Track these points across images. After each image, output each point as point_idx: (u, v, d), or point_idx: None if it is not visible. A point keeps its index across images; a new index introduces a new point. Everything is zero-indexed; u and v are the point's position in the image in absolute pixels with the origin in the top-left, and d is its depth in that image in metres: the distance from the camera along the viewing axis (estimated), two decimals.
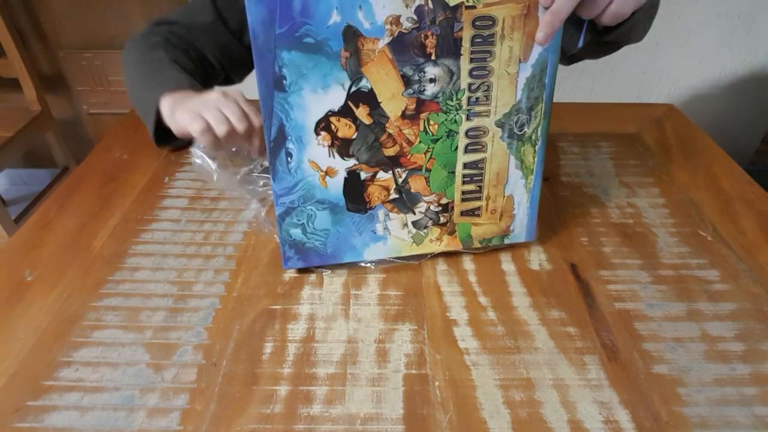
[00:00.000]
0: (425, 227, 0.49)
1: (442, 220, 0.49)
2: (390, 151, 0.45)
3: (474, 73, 0.43)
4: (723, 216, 0.58)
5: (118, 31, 1.58)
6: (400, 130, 0.44)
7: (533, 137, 0.47)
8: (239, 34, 0.77)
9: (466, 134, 0.45)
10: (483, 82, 0.43)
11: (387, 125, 0.44)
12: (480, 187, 0.48)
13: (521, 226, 0.51)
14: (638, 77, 1.62)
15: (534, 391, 0.40)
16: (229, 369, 0.41)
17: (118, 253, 0.53)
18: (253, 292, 0.48)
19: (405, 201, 0.48)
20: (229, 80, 0.84)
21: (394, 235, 0.49)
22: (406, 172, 0.46)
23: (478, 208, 0.49)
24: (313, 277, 0.50)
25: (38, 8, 1.54)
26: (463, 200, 0.48)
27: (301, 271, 0.51)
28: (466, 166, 0.47)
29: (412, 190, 0.47)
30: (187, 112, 0.53)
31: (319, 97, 0.42)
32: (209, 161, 0.51)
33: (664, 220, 0.57)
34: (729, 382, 0.40)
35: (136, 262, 0.51)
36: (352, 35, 0.40)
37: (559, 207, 0.59)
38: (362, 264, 0.51)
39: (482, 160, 0.47)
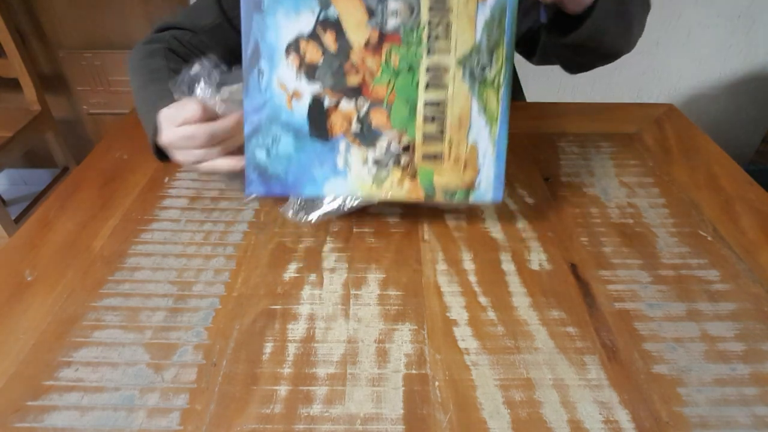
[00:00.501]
0: (386, 166, 0.50)
1: (404, 161, 0.49)
2: (353, 80, 0.47)
3: (433, 10, 0.46)
4: (723, 216, 0.58)
5: (118, 31, 1.58)
6: (363, 61, 0.47)
7: (495, 82, 0.48)
8: None
9: (427, 70, 0.47)
10: (442, 18, 0.46)
11: (351, 54, 0.47)
12: (442, 131, 0.49)
13: (487, 183, 0.50)
14: (638, 77, 1.62)
15: (534, 391, 0.40)
16: (229, 369, 0.41)
17: (118, 253, 0.53)
18: (253, 292, 0.48)
19: (365, 135, 0.49)
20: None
21: (354, 171, 0.49)
22: (368, 104, 0.48)
23: (441, 153, 0.49)
24: (313, 277, 0.50)
25: (38, 8, 1.54)
26: (424, 142, 0.49)
27: (301, 271, 0.51)
28: (427, 103, 0.48)
29: (374, 125, 0.48)
30: (166, 144, 0.52)
31: (291, 20, 0.46)
32: None
33: (664, 220, 0.57)
34: (729, 382, 0.40)
35: (136, 262, 0.51)
36: None
37: (559, 207, 0.59)
38: (324, 204, 0.51)
39: (443, 101, 0.48)
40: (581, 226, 0.56)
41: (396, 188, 0.50)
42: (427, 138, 0.49)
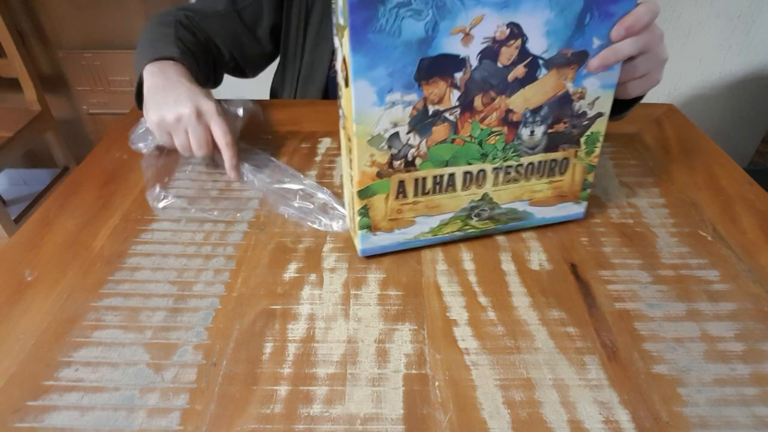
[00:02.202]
0: None
1: None
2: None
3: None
4: (723, 216, 0.58)
5: (118, 31, 1.58)
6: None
7: None
8: (253, 27, 0.79)
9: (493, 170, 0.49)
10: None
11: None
12: None
13: None
14: None
15: (534, 391, 0.40)
16: (229, 369, 0.41)
17: (118, 253, 0.53)
18: (253, 292, 0.48)
19: None
20: (240, 70, 0.85)
21: None
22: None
23: None
24: (313, 277, 0.50)
25: (38, 8, 1.54)
26: None
27: (301, 271, 0.51)
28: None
29: None
30: (156, 116, 0.58)
31: None
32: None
33: (664, 220, 0.57)
34: (729, 382, 0.40)
35: (136, 262, 0.51)
36: None
37: None
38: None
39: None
40: (581, 226, 0.56)
41: None
42: None
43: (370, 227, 0.49)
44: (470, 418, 0.38)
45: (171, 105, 0.58)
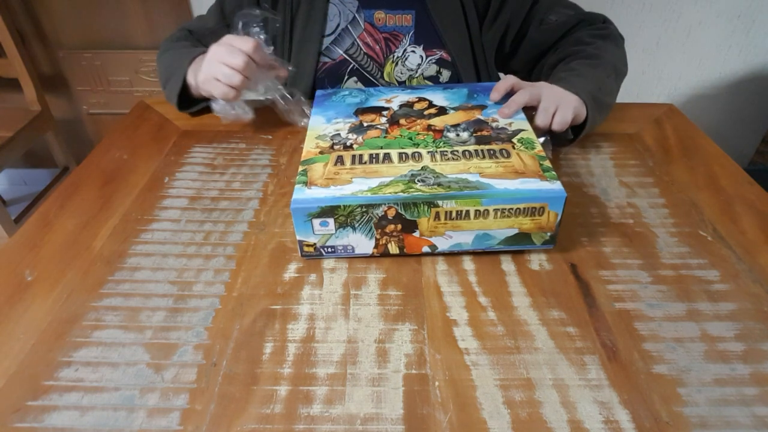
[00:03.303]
0: None
1: None
2: None
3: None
4: (723, 216, 0.58)
5: (118, 31, 1.58)
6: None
7: None
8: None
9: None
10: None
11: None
12: None
13: None
14: (638, 77, 1.62)
15: (534, 391, 0.40)
16: (229, 369, 0.41)
17: (118, 253, 0.53)
18: (253, 292, 0.48)
19: None
20: None
21: None
22: None
23: None
24: (313, 277, 0.50)
25: (38, 8, 1.54)
26: None
27: (301, 271, 0.51)
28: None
29: None
30: (204, 77, 0.66)
31: None
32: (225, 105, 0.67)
33: (664, 220, 0.57)
34: (729, 382, 0.40)
35: (136, 262, 0.51)
36: None
37: None
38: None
39: None
40: (581, 226, 0.56)
41: None
42: None
43: (305, 183, 0.50)
44: (470, 418, 0.38)
45: (206, 57, 0.66)
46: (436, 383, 0.40)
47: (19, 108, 1.53)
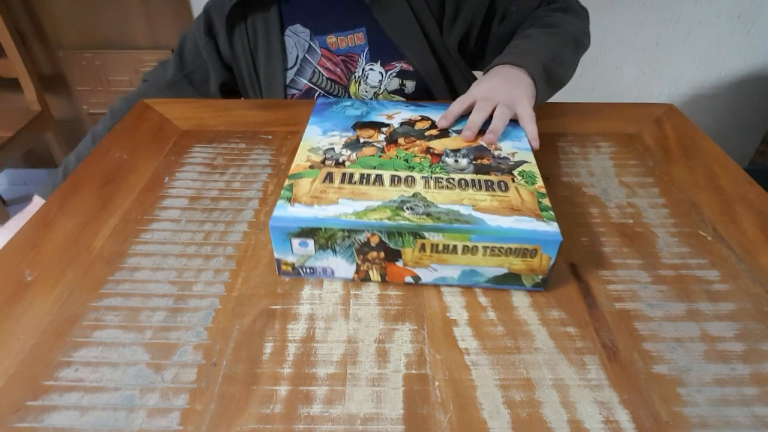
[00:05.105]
0: None
1: None
2: None
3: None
4: (723, 216, 0.58)
5: (118, 31, 1.58)
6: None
7: None
8: (204, 90, 0.87)
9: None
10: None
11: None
12: None
13: None
14: (638, 77, 1.62)
15: (534, 391, 0.40)
16: (229, 369, 0.41)
17: (118, 253, 0.53)
18: (253, 292, 0.48)
19: None
20: None
21: None
22: None
23: None
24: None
25: (38, 8, 1.54)
26: None
27: None
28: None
29: None
30: None
31: None
32: None
33: (664, 220, 0.57)
34: (729, 382, 0.40)
35: (136, 262, 0.51)
36: None
37: (559, 207, 0.59)
38: None
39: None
40: (581, 226, 0.56)
41: None
42: None
43: (289, 200, 0.48)
44: (470, 418, 0.38)
45: None
46: (436, 383, 0.40)
47: (19, 108, 1.53)
